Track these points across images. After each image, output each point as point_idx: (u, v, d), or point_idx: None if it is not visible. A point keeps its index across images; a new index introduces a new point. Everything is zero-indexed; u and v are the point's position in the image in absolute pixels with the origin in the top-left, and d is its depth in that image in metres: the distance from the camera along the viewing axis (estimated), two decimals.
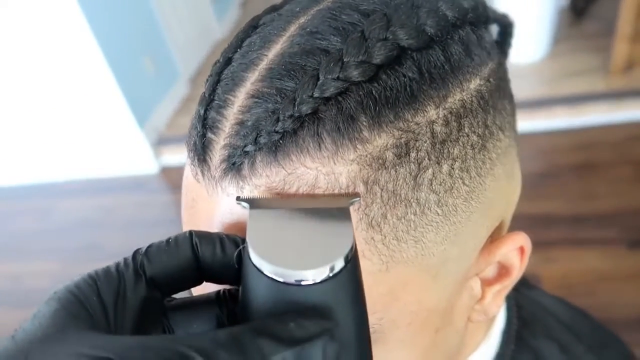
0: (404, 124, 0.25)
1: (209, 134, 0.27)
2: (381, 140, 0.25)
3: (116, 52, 2.45)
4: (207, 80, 0.30)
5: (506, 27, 0.36)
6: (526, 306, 0.46)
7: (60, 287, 0.21)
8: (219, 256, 0.23)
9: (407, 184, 0.26)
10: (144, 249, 0.23)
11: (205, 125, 0.28)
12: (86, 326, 0.20)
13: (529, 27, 2.54)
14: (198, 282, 0.24)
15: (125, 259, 0.23)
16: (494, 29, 0.36)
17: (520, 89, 2.50)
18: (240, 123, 0.26)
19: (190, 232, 0.24)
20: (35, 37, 2.31)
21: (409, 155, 0.25)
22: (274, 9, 0.32)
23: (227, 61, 0.30)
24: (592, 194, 2.01)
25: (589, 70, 2.54)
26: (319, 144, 0.25)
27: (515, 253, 0.33)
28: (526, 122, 2.36)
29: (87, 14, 2.24)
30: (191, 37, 3.32)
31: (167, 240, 0.24)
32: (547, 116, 2.38)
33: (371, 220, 0.26)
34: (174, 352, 0.17)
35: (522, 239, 0.32)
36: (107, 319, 0.21)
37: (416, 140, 0.26)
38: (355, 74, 0.25)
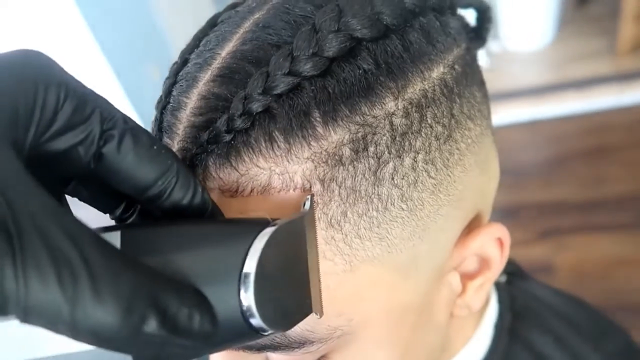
0: (360, 118, 0.24)
1: (165, 138, 0.27)
2: (336, 136, 0.24)
3: (121, 61, 2.46)
4: (164, 82, 0.29)
5: (483, 12, 0.35)
6: (519, 298, 0.45)
7: None
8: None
9: (366, 179, 0.25)
10: None
11: (160, 129, 0.27)
12: None
13: (534, 12, 2.50)
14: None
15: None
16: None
17: (527, 75, 2.48)
18: (192, 126, 0.25)
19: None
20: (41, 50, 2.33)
21: (367, 150, 0.24)
22: (234, 6, 0.31)
23: (184, 62, 0.29)
24: (604, 179, 1.97)
25: (596, 53, 2.49)
26: (271, 143, 0.24)
27: (493, 245, 0.32)
28: (535, 109, 2.33)
29: (91, 25, 2.26)
30: None
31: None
32: (556, 102, 2.34)
33: (330, 219, 0.25)
34: None
35: (497, 230, 0.31)
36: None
37: (374, 134, 0.25)
38: (306, 68, 0.24)
